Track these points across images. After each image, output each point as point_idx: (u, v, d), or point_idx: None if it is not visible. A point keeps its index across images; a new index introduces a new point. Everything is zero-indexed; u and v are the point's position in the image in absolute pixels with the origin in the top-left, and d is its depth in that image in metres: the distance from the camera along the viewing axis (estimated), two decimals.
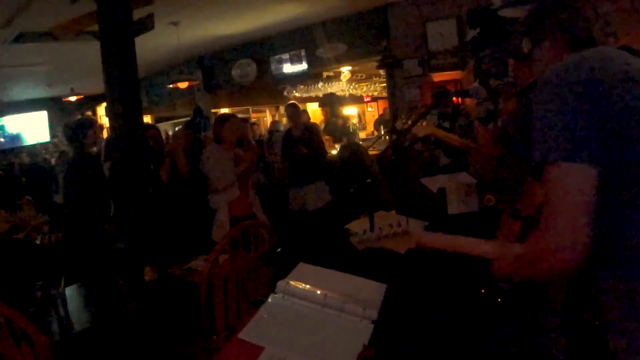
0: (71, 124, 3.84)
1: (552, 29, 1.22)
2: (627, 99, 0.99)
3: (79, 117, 9.99)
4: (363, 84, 10.23)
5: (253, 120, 10.61)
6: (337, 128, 8.90)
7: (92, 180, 3.45)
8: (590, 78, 1.01)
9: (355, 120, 12.73)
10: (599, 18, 1.24)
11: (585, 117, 0.99)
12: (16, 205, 5.61)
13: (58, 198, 6.19)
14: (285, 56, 7.21)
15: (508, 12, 3.77)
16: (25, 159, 9.12)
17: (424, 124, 2.81)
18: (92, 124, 3.67)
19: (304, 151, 4.72)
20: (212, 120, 8.68)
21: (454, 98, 4.52)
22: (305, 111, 8.13)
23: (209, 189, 3.46)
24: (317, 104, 11.44)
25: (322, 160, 5.00)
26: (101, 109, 10.77)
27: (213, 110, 9.10)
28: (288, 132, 5.17)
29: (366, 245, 1.38)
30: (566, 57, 1.12)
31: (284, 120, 10.72)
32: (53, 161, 8.76)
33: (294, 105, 5.24)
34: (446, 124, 4.30)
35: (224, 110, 10.25)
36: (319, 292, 1.41)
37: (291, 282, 1.42)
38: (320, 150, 4.99)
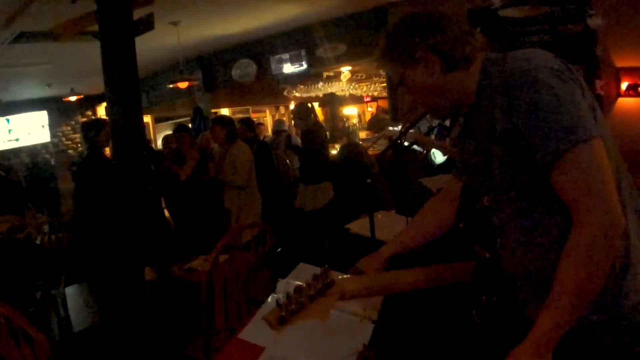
0: (85, 124, 3.93)
1: (423, 51, 1.15)
2: None
3: (93, 117, 10.06)
4: (363, 84, 10.21)
5: (256, 120, 10.60)
6: (337, 128, 8.90)
7: (104, 179, 3.48)
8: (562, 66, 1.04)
9: (355, 120, 12.72)
10: (467, 35, 1.13)
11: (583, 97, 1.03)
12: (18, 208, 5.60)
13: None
14: (285, 56, 7.19)
15: (508, 12, 3.78)
16: (26, 158, 9.11)
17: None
18: (104, 124, 3.70)
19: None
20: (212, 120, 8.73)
21: None
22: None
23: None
24: (317, 104, 11.43)
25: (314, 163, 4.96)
26: (101, 109, 10.76)
27: (213, 110, 9.09)
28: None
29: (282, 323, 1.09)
30: (511, 59, 1.06)
31: (285, 119, 10.74)
32: (53, 161, 8.75)
33: (305, 106, 5.31)
34: (446, 123, 4.29)
35: (224, 110, 10.24)
36: None
37: (291, 282, 1.42)
38: (314, 154, 4.92)
